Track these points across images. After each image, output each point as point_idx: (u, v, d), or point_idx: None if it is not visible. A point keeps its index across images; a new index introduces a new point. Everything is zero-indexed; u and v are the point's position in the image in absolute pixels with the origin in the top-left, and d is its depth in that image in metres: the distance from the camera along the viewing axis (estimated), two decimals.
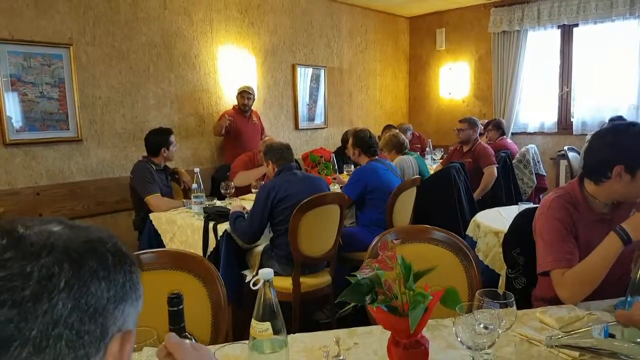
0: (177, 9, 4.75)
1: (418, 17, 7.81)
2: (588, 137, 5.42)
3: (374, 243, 1.93)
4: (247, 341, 1.11)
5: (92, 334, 0.57)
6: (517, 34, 6.74)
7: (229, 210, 3.19)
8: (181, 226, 3.26)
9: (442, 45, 7.62)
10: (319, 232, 3.01)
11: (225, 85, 5.21)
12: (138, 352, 1.12)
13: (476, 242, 3.16)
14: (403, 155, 4.26)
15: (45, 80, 3.91)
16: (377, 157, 3.79)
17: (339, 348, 1.41)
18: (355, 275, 1.30)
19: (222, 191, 3.64)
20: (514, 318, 1.34)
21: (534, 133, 6.89)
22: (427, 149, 6.25)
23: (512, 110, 6.89)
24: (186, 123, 4.94)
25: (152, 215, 3.46)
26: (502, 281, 2.92)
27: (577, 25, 6.38)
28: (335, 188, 3.91)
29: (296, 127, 6.16)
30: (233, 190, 3.65)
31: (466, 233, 3.30)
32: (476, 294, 1.35)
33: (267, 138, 4.12)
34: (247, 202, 3.43)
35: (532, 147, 5.83)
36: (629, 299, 1.48)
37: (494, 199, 4.71)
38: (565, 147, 5.98)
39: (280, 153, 3.16)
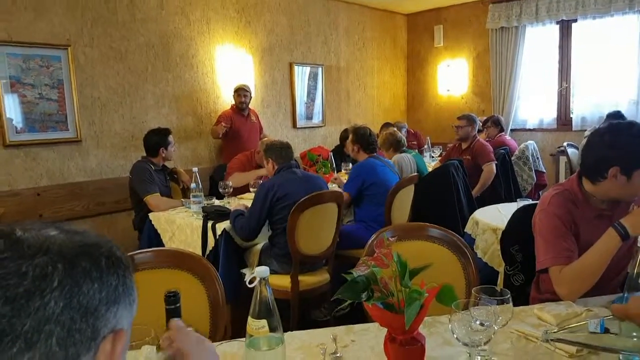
0: (174, 9, 4.75)
1: (416, 14, 7.80)
2: (587, 133, 5.44)
3: (370, 240, 1.94)
4: (244, 339, 1.12)
5: (83, 332, 0.59)
6: (516, 30, 6.72)
7: (228, 209, 3.21)
8: (180, 226, 3.27)
9: (440, 42, 7.61)
10: (317, 230, 3.02)
11: (223, 85, 5.22)
12: (136, 350, 1.13)
13: (475, 239, 3.17)
14: (401, 153, 4.26)
15: (44, 82, 3.92)
16: (375, 154, 3.80)
17: (336, 345, 1.42)
18: (352, 273, 1.31)
19: (221, 190, 3.65)
20: (510, 314, 1.34)
21: (533, 129, 6.88)
22: (426, 146, 6.24)
23: (511, 107, 6.88)
24: (184, 123, 4.95)
25: (151, 215, 3.47)
26: (500, 278, 2.92)
27: (575, 20, 6.35)
28: (334, 187, 3.91)
29: (294, 125, 6.17)
30: (231, 190, 3.66)
31: (465, 230, 3.31)
32: (472, 291, 1.35)
33: (265, 139, 4.12)
34: (246, 202, 3.44)
35: (531, 144, 5.82)
36: (625, 295, 1.48)
37: (493, 196, 4.71)
38: (565, 144, 5.98)
39: (280, 151, 3.18)
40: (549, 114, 6.78)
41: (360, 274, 1.27)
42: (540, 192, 5.92)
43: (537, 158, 5.84)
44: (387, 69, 7.65)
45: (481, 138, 5.23)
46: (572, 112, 6.56)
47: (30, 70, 3.84)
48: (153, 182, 3.62)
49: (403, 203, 3.65)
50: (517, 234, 2.26)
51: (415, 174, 3.93)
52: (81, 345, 0.59)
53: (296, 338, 1.46)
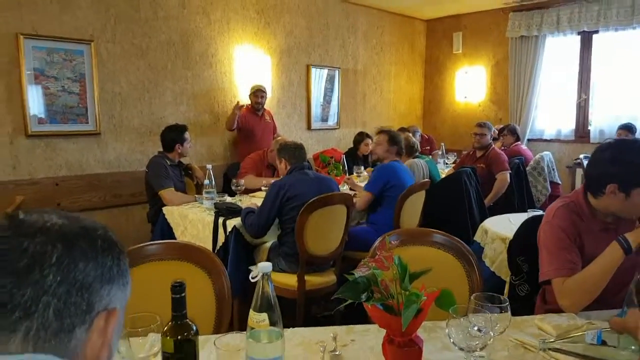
0: (196, 8, 4.83)
1: (435, 20, 7.80)
2: None
3: (375, 244, 1.97)
4: (245, 332, 1.16)
5: (78, 306, 0.64)
6: (536, 39, 6.67)
7: (239, 206, 3.26)
8: (192, 220, 3.33)
9: (459, 48, 7.59)
10: (325, 231, 3.06)
11: (240, 85, 5.28)
12: (143, 337, 1.18)
13: (483, 248, 3.17)
14: (414, 158, 4.28)
15: (66, 75, 4.01)
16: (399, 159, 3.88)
17: (336, 344, 1.45)
18: (353, 274, 1.34)
19: (233, 188, 3.70)
20: (508, 322, 1.36)
21: (550, 140, 6.81)
22: (440, 152, 6.24)
23: (528, 116, 6.82)
24: (201, 120, 5.02)
25: (165, 209, 3.54)
26: (507, 289, 2.93)
27: (597, 31, 6.28)
28: (345, 189, 3.94)
29: (308, 127, 6.21)
30: (243, 188, 3.71)
31: (474, 239, 3.31)
32: (471, 297, 1.38)
33: (279, 138, 4.17)
34: (257, 200, 3.48)
35: (547, 155, 5.78)
36: (625, 309, 1.49)
37: (506, 206, 4.69)
38: (582, 156, 5.92)
39: (293, 152, 3.22)
40: (566, 125, 6.71)
41: (361, 274, 1.31)
42: None
43: (553, 169, 5.80)
44: (404, 74, 7.66)
45: (496, 146, 5.21)
46: (591, 124, 6.50)
47: (53, 63, 3.94)
48: (168, 177, 3.69)
49: (413, 208, 3.67)
50: (524, 244, 2.27)
51: (427, 179, 3.94)
52: (76, 317, 0.64)
53: (297, 334, 1.50)
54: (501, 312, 1.37)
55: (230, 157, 5.25)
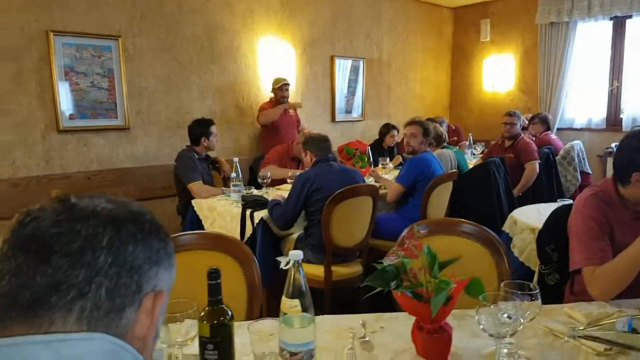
0: (220, 1, 4.86)
1: (462, 8, 7.67)
2: None
3: (403, 234, 1.97)
4: (278, 318, 1.18)
5: (128, 286, 0.67)
6: (566, 25, 6.50)
7: (266, 199, 3.30)
8: (221, 213, 3.38)
9: (486, 36, 7.46)
10: (351, 223, 3.07)
11: (264, 77, 5.30)
12: (180, 322, 1.21)
13: (512, 238, 3.14)
14: (442, 149, 4.24)
15: (95, 71, 4.09)
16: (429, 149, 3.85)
17: (365, 330, 1.47)
18: (381, 262, 1.35)
19: (259, 181, 3.74)
20: (538, 310, 1.36)
21: (581, 129, 6.66)
22: (467, 143, 6.16)
23: (558, 105, 6.67)
24: (227, 114, 5.06)
25: (194, 202, 3.60)
26: (536, 278, 2.90)
27: (630, 16, 6.10)
28: (370, 181, 3.94)
29: (333, 119, 6.20)
30: (269, 180, 3.74)
31: (502, 229, 3.28)
32: (501, 285, 1.37)
33: (305, 131, 4.18)
34: (283, 192, 3.51)
35: (577, 144, 5.65)
36: None
37: (535, 196, 4.62)
38: (614, 144, 5.78)
39: (318, 144, 3.24)
40: (597, 114, 6.54)
41: (390, 263, 1.32)
42: None
43: (583, 158, 5.68)
44: (431, 64, 7.57)
45: (525, 135, 5.12)
46: (623, 112, 6.32)
47: (83, 59, 4.02)
48: (196, 170, 3.75)
49: (441, 199, 3.65)
50: (554, 234, 2.25)
51: (455, 170, 3.91)
52: (126, 297, 0.67)
53: (327, 321, 1.52)
54: (532, 300, 1.36)
55: (256, 150, 5.28)
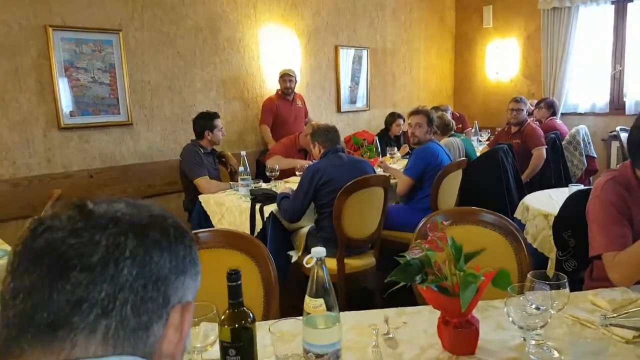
0: None
1: None
2: None
3: (421, 224, 1.93)
4: (300, 317, 1.15)
5: (155, 300, 0.61)
6: (568, 10, 6.46)
7: (275, 192, 3.25)
8: (229, 208, 3.34)
9: (489, 22, 7.39)
10: (363, 214, 3.03)
11: (268, 69, 5.23)
12: (197, 326, 1.17)
13: (524, 224, 3.11)
14: (449, 137, 4.19)
15: (96, 66, 4.03)
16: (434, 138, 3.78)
17: (388, 326, 1.43)
18: (404, 256, 1.32)
19: (268, 174, 3.70)
20: (567, 299, 1.32)
21: (585, 113, 6.64)
22: (473, 130, 6.11)
23: (562, 90, 6.65)
24: (232, 107, 5.00)
25: (201, 197, 3.56)
26: (550, 264, 2.87)
27: (632, 0, 6.06)
28: (379, 172, 3.89)
29: (338, 109, 6.14)
30: (278, 173, 3.70)
31: (514, 216, 3.25)
32: (527, 276, 1.34)
33: (313, 122, 4.13)
34: (292, 185, 3.47)
35: (582, 128, 5.62)
36: None
37: (542, 181, 4.59)
38: (618, 128, 5.75)
39: (327, 135, 3.19)
40: (601, 98, 6.53)
41: (414, 257, 1.28)
42: (591, 178, 5.74)
43: (589, 143, 5.64)
44: (434, 51, 7.51)
45: (531, 121, 5.08)
46: (626, 96, 6.31)
47: (83, 54, 3.95)
48: (203, 165, 3.71)
49: (451, 187, 3.61)
50: (570, 219, 2.23)
51: (464, 158, 3.86)
52: (153, 313, 0.61)
53: (349, 318, 1.48)
54: (559, 289, 1.33)
55: (262, 143, 5.23)
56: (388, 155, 4.67)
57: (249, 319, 1.11)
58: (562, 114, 6.60)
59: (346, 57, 6.14)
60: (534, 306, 1.26)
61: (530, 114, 5.50)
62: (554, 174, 4.85)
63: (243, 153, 3.62)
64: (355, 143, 4.61)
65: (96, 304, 0.57)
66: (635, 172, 1.81)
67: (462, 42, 7.78)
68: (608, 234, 1.74)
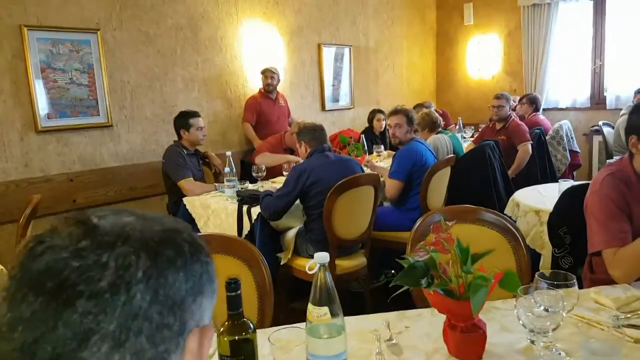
0: None
1: None
2: (623, 112, 5.26)
3: (417, 224, 1.89)
4: (301, 324, 1.09)
5: (172, 327, 0.54)
6: (548, 6, 6.53)
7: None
8: (215, 210, 3.26)
9: (470, 20, 7.42)
10: (354, 214, 2.98)
11: (251, 68, 5.15)
12: None
13: (515, 221, 3.09)
14: (437, 134, 4.16)
15: (74, 67, 3.90)
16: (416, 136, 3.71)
17: (390, 331, 1.38)
18: (407, 258, 1.26)
19: (254, 174, 3.62)
20: (576, 300, 1.28)
21: (566, 109, 6.71)
22: (457, 126, 6.12)
23: (543, 86, 6.71)
24: (214, 107, 4.91)
25: (185, 200, 3.47)
26: (543, 261, 2.86)
27: None
28: (367, 171, 3.84)
29: (323, 108, 6.09)
30: (264, 173, 3.63)
31: (504, 212, 3.23)
32: (535, 276, 1.30)
33: (300, 121, 4.06)
34: (279, 185, 3.40)
35: (565, 123, 5.69)
36: None
37: (528, 177, 4.60)
38: (600, 123, 5.81)
39: (313, 134, 3.12)
40: (582, 93, 6.61)
41: (419, 259, 1.23)
42: (575, 172, 5.78)
43: (572, 138, 5.71)
44: (416, 49, 7.51)
45: (515, 117, 5.10)
46: (606, 91, 6.39)
47: (60, 54, 3.83)
48: (186, 166, 3.61)
49: (439, 185, 3.57)
50: (565, 216, 2.22)
51: (453, 155, 3.83)
52: (170, 341, 0.54)
53: (348, 323, 1.40)
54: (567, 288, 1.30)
55: (246, 143, 5.14)
56: (375, 153, 4.62)
57: (249, 330, 1.04)
58: (543, 109, 6.65)
59: (330, 55, 6.09)
60: (542, 308, 1.22)
61: (513, 109, 5.52)
62: (539, 169, 4.87)
63: (229, 154, 3.54)
64: (342, 141, 4.56)
65: (107, 336, 0.50)
66: (634, 167, 1.79)
67: (444, 39, 7.79)
68: (608, 230, 1.72)
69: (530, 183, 3.81)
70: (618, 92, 6.24)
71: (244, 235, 3.04)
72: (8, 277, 0.53)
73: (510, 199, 3.23)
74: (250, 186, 3.51)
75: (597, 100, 6.47)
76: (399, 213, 3.55)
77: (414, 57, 7.48)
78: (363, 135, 4.79)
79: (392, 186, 3.47)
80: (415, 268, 1.22)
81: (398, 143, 3.66)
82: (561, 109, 6.73)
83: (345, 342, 1.08)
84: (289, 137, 4.13)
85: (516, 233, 1.85)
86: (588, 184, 1.93)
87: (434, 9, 7.77)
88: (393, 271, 3.73)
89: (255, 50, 5.16)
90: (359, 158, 4.03)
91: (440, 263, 1.23)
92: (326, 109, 6.12)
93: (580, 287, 1.77)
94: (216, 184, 3.61)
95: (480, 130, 5.51)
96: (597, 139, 6.31)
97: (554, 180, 4.56)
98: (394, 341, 1.34)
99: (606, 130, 5.66)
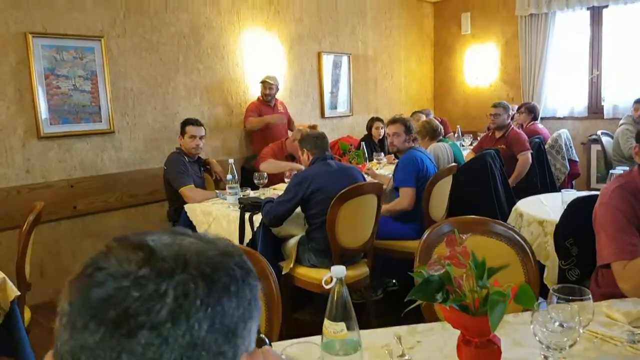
0: None
1: (443, 2, 7.66)
2: (622, 121, 5.30)
3: (426, 235, 1.88)
4: (313, 338, 1.08)
5: (226, 355, 0.54)
6: (545, 16, 6.57)
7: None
8: (217, 217, 3.25)
9: (467, 29, 7.47)
10: (357, 223, 2.97)
11: (252, 76, 5.17)
12: None
13: (518, 231, 3.09)
14: (437, 142, 4.16)
15: (77, 73, 3.90)
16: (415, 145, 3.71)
17: (402, 347, 1.37)
18: (421, 272, 1.26)
19: (255, 181, 3.62)
20: (591, 315, 1.28)
21: (564, 118, 6.73)
22: (456, 134, 6.13)
23: (541, 95, 6.74)
24: (216, 114, 4.91)
25: (187, 207, 3.45)
26: (547, 272, 2.84)
27: (607, 6, 6.19)
28: (368, 179, 3.84)
29: (322, 115, 6.11)
30: (266, 181, 3.62)
31: (507, 222, 3.22)
32: (550, 291, 1.29)
33: (302, 127, 4.07)
34: (280, 192, 3.39)
35: (564, 132, 5.70)
36: None
37: (528, 186, 4.61)
38: (599, 132, 5.84)
39: (315, 142, 3.13)
40: (579, 103, 6.64)
41: (434, 273, 1.22)
42: (574, 182, 5.80)
43: (570, 147, 5.72)
44: (414, 57, 7.55)
45: (514, 126, 5.11)
46: (604, 100, 6.42)
47: (64, 61, 3.83)
48: (187, 173, 3.61)
49: (441, 194, 3.57)
50: (572, 227, 2.20)
51: (454, 164, 3.83)
52: None
53: None
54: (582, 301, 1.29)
55: (246, 150, 5.15)
56: (375, 160, 4.63)
57: (264, 345, 1.03)
58: (541, 118, 6.68)
59: (329, 63, 6.11)
60: (557, 323, 1.22)
61: (511, 118, 5.54)
62: (539, 179, 4.87)
63: (231, 161, 3.54)
64: (342, 149, 4.56)
65: None
66: None
67: (441, 48, 7.83)
68: (617, 242, 1.71)
69: (530, 192, 3.81)
70: (615, 101, 6.27)
71: (245, 243, 3.03)
72: (66, 302, 0.52)
73: (513, 209, 3.22)
74: (251, 193, 3.50)
75: (595, 109, 6.50)
76: (395, 222, 3.53)
77: (412, 65, 7.53)
78: (363, 143, 4.79)
79: (405, 195, 3.42)
80: (430, 282, 1.21)
81: (396, 151, 3.67)
82: (559, 118, 6.76)
83: (362, 358, 1.07)
84: (290, 143, 4.14)
85: (525, 246, 1.85)
86: (593, 194, 1.92)
87: (432, 18, 7.83)
88: (394, 280, 3.73)
89: (256, 58, 5.18)
90: (360, 166, 4.03)
91: (455, 277, 1.22)
92: (325, 116, 6.14)
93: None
94: (217, 191, 3.60)
95: (479, 138, 5.52)
96: (595, 148, 6.35)
97: (554, 189, 4.57)
98: (407, 357, 1.33)
99: (605, 139, 5.68)
